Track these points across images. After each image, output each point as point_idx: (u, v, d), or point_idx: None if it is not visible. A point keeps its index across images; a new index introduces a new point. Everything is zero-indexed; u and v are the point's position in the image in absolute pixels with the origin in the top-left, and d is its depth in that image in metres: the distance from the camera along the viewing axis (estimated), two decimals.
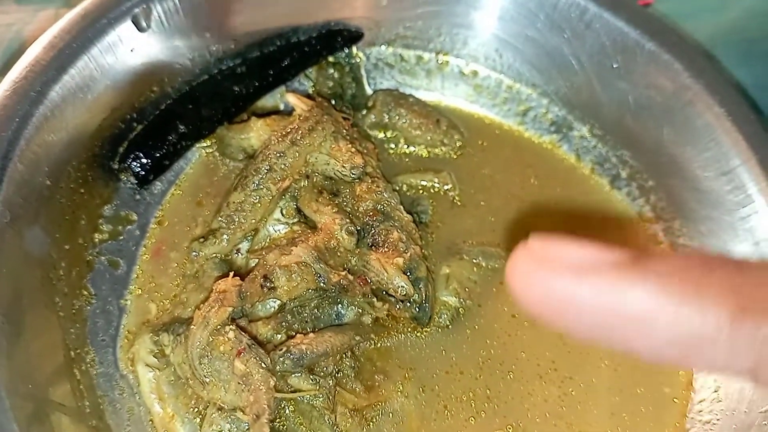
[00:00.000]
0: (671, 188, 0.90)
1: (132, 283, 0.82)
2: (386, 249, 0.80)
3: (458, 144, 0.96)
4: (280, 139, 0.83)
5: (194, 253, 0.80)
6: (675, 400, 0.80)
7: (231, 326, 0.70)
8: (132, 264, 0.83)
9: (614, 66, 0.91)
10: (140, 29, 0.82)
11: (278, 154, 0.82)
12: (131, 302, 0.81)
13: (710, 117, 0.84)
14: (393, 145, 0.96)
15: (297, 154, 0.82)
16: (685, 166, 0.87)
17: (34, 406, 0.64)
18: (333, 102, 0.95)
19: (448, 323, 0.82)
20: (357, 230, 0.80)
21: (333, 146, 0.83)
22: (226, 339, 0.69)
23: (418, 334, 0.81)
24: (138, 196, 0.86)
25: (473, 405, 0.77)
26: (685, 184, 0.88)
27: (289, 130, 0.83)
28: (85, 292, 0.78)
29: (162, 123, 0.86)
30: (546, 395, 0.78)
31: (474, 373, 0.79)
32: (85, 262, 0.79)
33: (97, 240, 0.81)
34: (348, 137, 0.85)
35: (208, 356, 0.69)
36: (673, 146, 0.88)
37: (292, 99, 0.88)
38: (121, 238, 0.83)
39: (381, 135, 0.96)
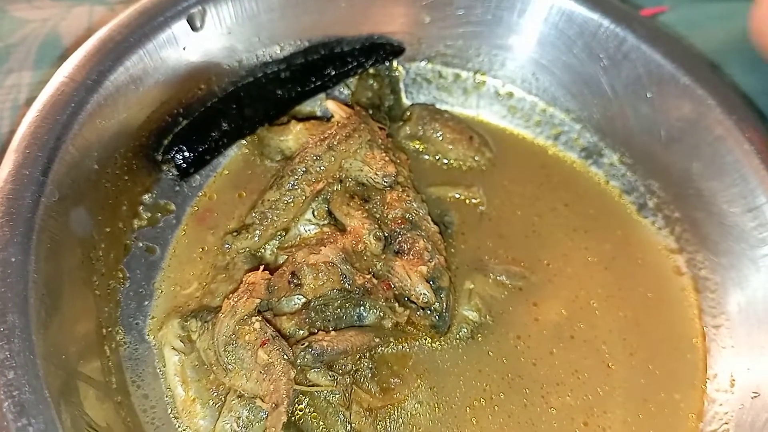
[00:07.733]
0: (696, 221, 0.91)
1: (165, 269, 0.85)
2: (411, 257, 0.82)
3: (489, 161, 0.99)
4: (317, 143, 0.86)
5: (226, 246, 0.84)
6: (691, 415, 0.81)
7: (257, 317, 0.73)
8: (166, 251, 0.86)
9: (648, 96, 0.92)
10: (194, 29, 0.86)
11: (315, 158, 0.85)
12: (163, 287, 0.84)
13: (739, 153, 0.85)
14: (426, 157, 0.99)
15: (333, 158, 0.85)
16: (711, 200, 0.89)
17: (65, 376, 0.67)
18: (370, 112, 0.98)
19: (466, 337, 0.83)
20: (384, 236, 0.83)
21: (368, 154, 0.86)
22: (252, 329, 0.72)
23: (435, 343, 0.82)
24: (177, 188, 0.90)
25: (481, 417, 0.78)
26: (710, 218, 0.89)
27: (327, 135, 0.86)
28: (120, 275, 0.81)
29: (206, 120, 0.90)
30: (553, 419, 0.79)
31: (485, 387, 0.80)
32: (123, 246, 0.83)
33: (136, 226, 0.85)
34: (383, 146, 0.88)
35: (233, 344, 0.72)
36: (701, 180, 0.90)
37: (331, 106, 0.91)
38: (159, 225, 0.87)
39: (415, 146, 0.99)
